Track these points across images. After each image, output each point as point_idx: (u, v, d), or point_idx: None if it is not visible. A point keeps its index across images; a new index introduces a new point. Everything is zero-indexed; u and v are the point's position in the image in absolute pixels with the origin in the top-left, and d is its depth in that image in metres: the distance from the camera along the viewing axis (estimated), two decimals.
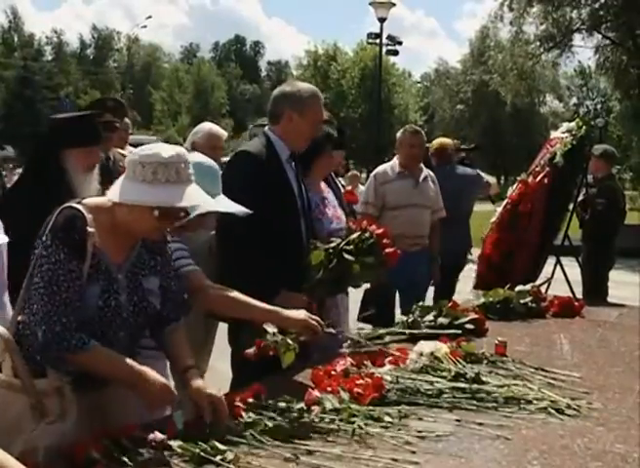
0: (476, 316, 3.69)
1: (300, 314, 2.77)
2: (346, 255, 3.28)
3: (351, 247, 3.32)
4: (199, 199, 2.36)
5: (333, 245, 3.34)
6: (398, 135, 5.72)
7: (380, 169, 5.66)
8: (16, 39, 68.65)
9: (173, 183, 2.27)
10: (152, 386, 2.29)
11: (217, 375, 3.76)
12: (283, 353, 2.59)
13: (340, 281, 3.38)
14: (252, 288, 2.87)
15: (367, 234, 3.36)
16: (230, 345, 3.51)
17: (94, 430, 2.29)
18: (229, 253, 3.30)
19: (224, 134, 4.98)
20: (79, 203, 2.35)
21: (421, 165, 5.66)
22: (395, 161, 5.71)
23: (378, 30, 26.01)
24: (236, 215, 2.93)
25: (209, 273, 2.98)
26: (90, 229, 2.26)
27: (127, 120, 5.62)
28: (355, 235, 3.36)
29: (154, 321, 2.51)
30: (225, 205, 2.86)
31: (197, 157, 2.87)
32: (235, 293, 2.77)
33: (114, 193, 2.32)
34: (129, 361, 2.30)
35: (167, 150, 2.30)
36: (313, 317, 2.77)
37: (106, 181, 4.43)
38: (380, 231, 3.40)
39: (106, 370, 2.31)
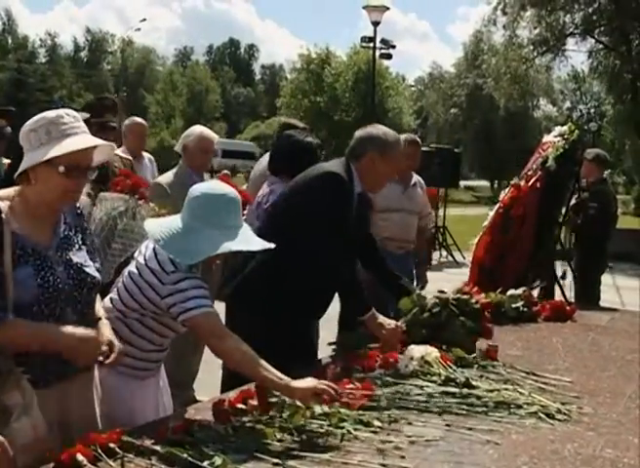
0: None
1: (310, 383, 2.50)
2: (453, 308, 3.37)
3: (457, 304, 3.41)
4: (96, 141, 2.41)
5: (443, 296, 3.44)
6: None
7: None
8: (9, 41, 68.58)
9: (68, 136, 2.33)
10: (72, 340, 2.29)
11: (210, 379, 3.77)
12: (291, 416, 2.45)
13: (435, 329, 3.39)
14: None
15: (474, 300, 3.45)
16: None
17: (57, 423, 2.33)
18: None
19: (216, 137, 4.98)
20: None
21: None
22: None
23: (371, 34, 26.03)
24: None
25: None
26: (3, 216, 2.24)
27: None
28: (465, 296, 3.45)
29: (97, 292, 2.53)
30: (247, 241, 2.67)
31: (221, 188, 2.71)
32: (247, 352, 2.52)
33: (20, 169, 2.34)
34: (47, 325, 2.30)
35: (51, 112, 2.38)
36: (323, 383, 2.52)
37: (100, 182, 4.44)
38: (485, 302, 3.52)
39: (28, 341, 2.28)
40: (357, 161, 3.51)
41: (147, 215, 3.92)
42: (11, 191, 2.40)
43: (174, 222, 2.66)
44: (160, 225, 2.67)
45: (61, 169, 2.29)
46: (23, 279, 2.27)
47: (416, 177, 5.73)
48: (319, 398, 2.44)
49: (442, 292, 3.50)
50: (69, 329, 2.31)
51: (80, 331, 2.32)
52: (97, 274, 2.49)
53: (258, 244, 2.68)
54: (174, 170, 4.90)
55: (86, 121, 4.64)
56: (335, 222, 3.33)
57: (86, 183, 2.49)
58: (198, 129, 5.03)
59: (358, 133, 3.61)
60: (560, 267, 6.36)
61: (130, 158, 5.35)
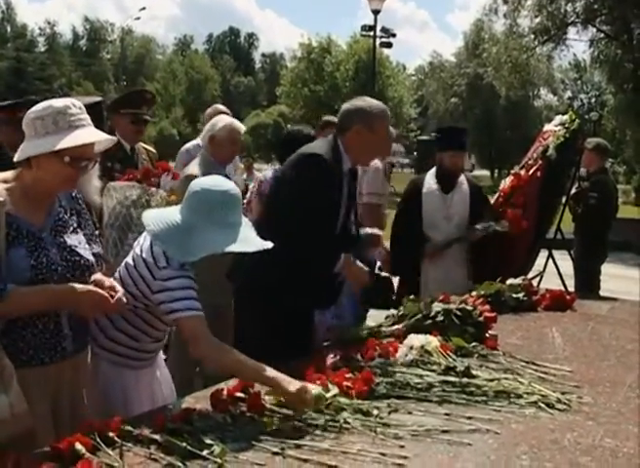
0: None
1: (297, 385, 2.41)
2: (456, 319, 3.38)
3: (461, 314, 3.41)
4: (102, 135, 2.44)
5: (450, 307, 3.44)
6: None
7: (380, 162, 5.69)
8: (8, 30, 68.38)
9: (75, 127, 2.36)
10: (72, 294, 2.35)
11: None
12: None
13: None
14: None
15: (477, 312, 3.45)
16: None
17: (48, 405, 2.37)
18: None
19: (243, 127, 4.76)
20: None
21: None
22: None
23: (369, 23, 25.97)
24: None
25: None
26: (0, 198, 2.25)
27: None
28: (469, 307, 3.46)
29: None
30: (247, 240, 2.64)
31: (222, 184, 2.67)
32: (233, 354, 2.49)
33: (22, 154, 2.35)
34: (44, 287, 2.33)
35: (58, 101, 2.40)
36: (311, 389, 2.43)
37: (124, 170, 4.42)
38: (491, 316, 3.48)
39: (30, 306, 2.32)
40: (343, 135, 3.44)
41: (160, 204, 3.88)
42: (8, 174, 2.42)
43: (172, 216, 2.63)
44: (158, 217, 2.64)
45: (67, 159, 2.33)
46: (17, 260, 2.29)
47: None
48: (309, 395, 2.39)
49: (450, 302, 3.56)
50: (67, 286, 2.36)
51: (78, 285, 2.37)
52: (91, 257, 2.50)
53: (257, 244, 2.65)
54: (196, 161, 4.60)
55: (118, 109, 4.54)
56: (319, 206, 3.25)
57: (85, 173, 2.50)
58: (226, 119, 4.73)
59: (344, 106, 3.54)
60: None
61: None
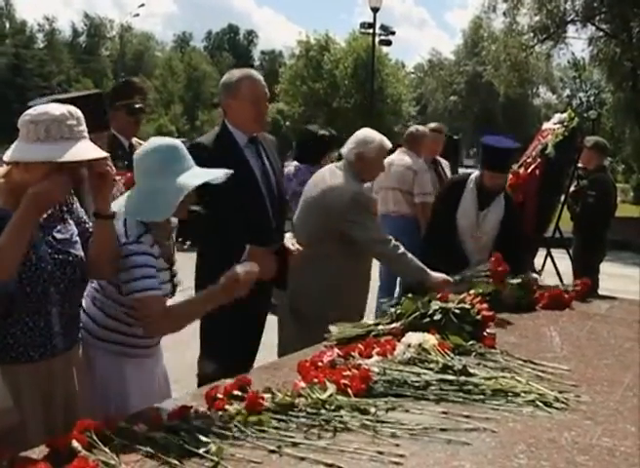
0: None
1: (225, 278, 2.65)
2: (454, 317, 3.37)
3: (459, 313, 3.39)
4: (93, 153, 2.36)
5: (448, 305, 3.42)
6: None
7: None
8: (7, 26, 68.24)
9: (67, 140, 2.30)
10: None
11: None
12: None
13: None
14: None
15: (475, 310, 3.43)
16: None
17: (40, 401, 2.37)
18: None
19: (389, 145, 4.49)
20: None
21: None
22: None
23: (366, 20, 25.97)
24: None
25: None
26: None
27: None
28: (467, 305, 3.45)
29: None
30: (204, 174, 2.75)
31: (161, 139, 2.80)
32: (179, 309, 2.64)
33: (9, 154, 2.33)
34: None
35: (57, 108, 2.33)
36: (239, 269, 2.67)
37: (125, 168, 4.39)
38: (489, 314, 3.47)
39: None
40: (225, 115, 3.67)
41: None
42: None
43: (131, 192, 2.74)
44: (123, 199, 2.74)
45: (53, 167, 2.29)
46: None
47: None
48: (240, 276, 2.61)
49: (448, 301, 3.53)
50: None
51: None
52: (80, 252, 2.49)
53: (215, 173, 2.74)
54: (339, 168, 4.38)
55: (112, 103, 4.46)
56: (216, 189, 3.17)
57: (78, 180, 2.46)
58: (378, 137, 4.36)
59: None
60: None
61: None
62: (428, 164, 6.95)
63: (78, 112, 2.38)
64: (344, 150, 4.36)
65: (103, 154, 2.40)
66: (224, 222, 3.52)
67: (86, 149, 2.34)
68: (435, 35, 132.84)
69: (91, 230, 2.55)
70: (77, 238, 2.51)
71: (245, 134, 3.70)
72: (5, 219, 2.28)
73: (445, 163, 7.46)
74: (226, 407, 2.32)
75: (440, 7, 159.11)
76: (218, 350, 3.65)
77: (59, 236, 2.45)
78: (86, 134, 2.38)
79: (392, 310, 3.52)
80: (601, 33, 23.04)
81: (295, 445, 2.14)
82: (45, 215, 2.43)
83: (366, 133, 4.41)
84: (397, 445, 2.17)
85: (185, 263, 3.39)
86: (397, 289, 6.53)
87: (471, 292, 4.01)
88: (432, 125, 7.43)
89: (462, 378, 2.71)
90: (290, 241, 3.80)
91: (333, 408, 2.37)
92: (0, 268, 2.20)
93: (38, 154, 2.27)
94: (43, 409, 2.40)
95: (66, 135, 2.30)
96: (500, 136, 4.92)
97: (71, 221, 2.53)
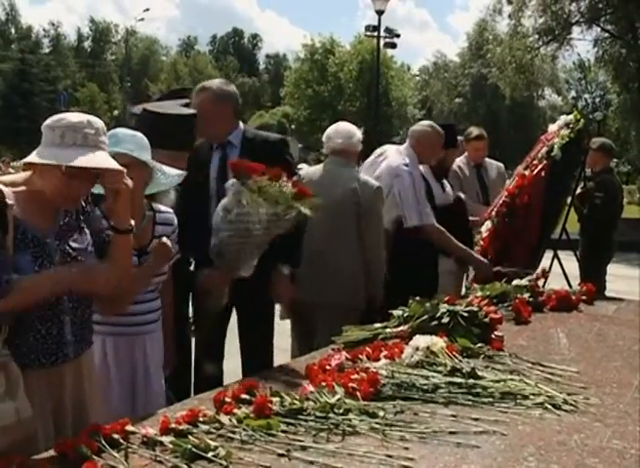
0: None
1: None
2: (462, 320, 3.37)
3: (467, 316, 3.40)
4: (104, 163, 2.34)
5: (456, 308, 3.42)
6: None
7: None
8: (13, 31, 68.50)
9: (79, 146, 2.29)
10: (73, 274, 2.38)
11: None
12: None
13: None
14: None
15: (482, 313, 3.44)
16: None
17: (50, 407, 2.37)
18: None
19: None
20: None
21: None
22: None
23: (370, 22, 26.01)
24: None
25: None
26: (8, 201, 2.24)
27: None
28: (475, 308, 3.45)
29: None
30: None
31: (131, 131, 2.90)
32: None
33: (28, 158, 2.33)
34: (47, 273, 2.34)
35: (77, 116, 2.34)
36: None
37: None
38: (497, 317, 3.47)
39: (36, 296, 2.31)
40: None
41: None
42: (17, 177, 2.41)
43: None
44: None
45: (65, 175, 2.30)
46: (23, 265, 2.29)
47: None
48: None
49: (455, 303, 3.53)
50: (65, 267, 2.38)
51: (76, 266, 2.40)
52: (94, 260, 2.49)
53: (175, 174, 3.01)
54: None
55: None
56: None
57: (91, 188, 2.47)
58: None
59: None
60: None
61: None
62: (471, 168, 6.85)
63: (99, 123, 2.37)
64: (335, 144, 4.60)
65: (115, 166, 2.37)
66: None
67: (98, 159, 2.32)
68: (437, 38, 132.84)
69: (107, 240, 2.56)
70: (92, 248, 2.51)
71: (208, 138, 3.92)
72: (24, 233, 2.31)
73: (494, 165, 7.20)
74: (235, 410, 2.32)
75: (441, 9, 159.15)
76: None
77: (74, 245, 2.45)
78: (105, 145, 2.37)
79: (400, 313, 3.52)
80: (606, 34, 23.04)
81: (303, 448, 2.14)
82: (62, 224, 2.44)
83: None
84: (406, 448, 2.16)
85: None
86: None
87: (479, 294, 4.01)
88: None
89: (471, 381, 2.71)
90: None
91: (341, 411, 2.36)
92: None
93: (48, 157, 2.28)
94: (53, 416, 2.40)
95: (79, 141, 2.30)
96: None
97: (87, 231, 2.53)
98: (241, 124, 4.00)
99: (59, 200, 2.38)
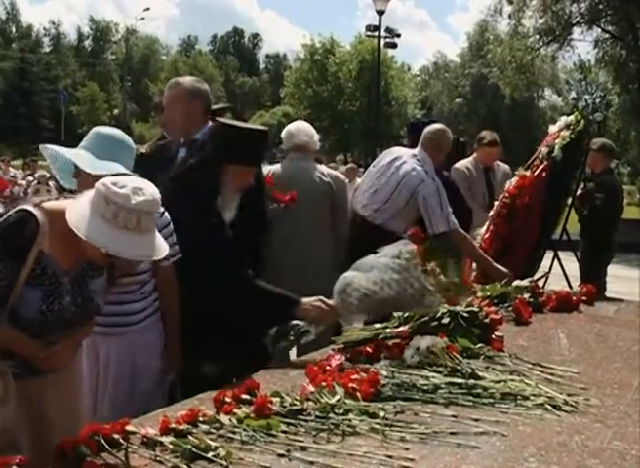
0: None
1: None
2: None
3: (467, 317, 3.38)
4: (151, 252, 2.29)
5: (456, 308, 3.41)
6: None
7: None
8: (13, 30, 68.48)
9: (130, 230, 2.21)
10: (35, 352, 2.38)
11: None
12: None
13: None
14: None
15: (483, 313, 3.43)
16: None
17: (30, 416, 2.37)
18: None
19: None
20: (38, 205, 2.31)
21: None
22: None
23: (369, 23, 26.02)
24: None
25: None
26: (39, 235, 2.23)
27: None
28: (475, 309, 3.45)
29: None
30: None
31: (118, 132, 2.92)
32: None
33: (72, 216, 2.23)
34: (19, 336, 2.34)
35: (137, 196, 2.22)
36: None
37: None
38: (497, 317, 3.47)
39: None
40: None
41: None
42: (60, 206, 2.33)
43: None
44: None
45: (104, 251, 2.25)
46: (30, 298, 2.30)
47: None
48: None
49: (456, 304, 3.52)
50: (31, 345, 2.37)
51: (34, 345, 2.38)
52: (101, 302, 2.51)
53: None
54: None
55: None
56: None
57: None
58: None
59: None
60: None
61: None
62: (480, 170, 6.84)
63: (156, 203, 2.29)
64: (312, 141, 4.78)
65: (157, 257, 2.33)
66: None
67: (139, 245, 2.24)
68: (438, 38, 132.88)
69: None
70: (101, 288, 2.51)
71: (176, 137, 4.00)
72: (44, 269, 2.30)
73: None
74: (235, 410, 2.32)
75: (441, 9, 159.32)
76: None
77: (90, 286, 2.45)
78: (154, 227, 2.32)
79: (400, 313, 3.51)
80: (607, 35, 23.03)
81: (304, 449, 2.13)
82: (84, 266, 2.42)
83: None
84: (406, 448, 2.16)
85: None
86: None
87: (479, 295, 4.01)
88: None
89: (471, 382, 2.71)
90: None
91: (341, 411, 2.36)
92: None
93: (95, 234, 2.20)
94: (32, 426, 2.40)
95: (131, 226, 2.21)
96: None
97: (105, 272, 2.51)
98: (210, 123, 3.94)
99: (92, 259, 2.37)
